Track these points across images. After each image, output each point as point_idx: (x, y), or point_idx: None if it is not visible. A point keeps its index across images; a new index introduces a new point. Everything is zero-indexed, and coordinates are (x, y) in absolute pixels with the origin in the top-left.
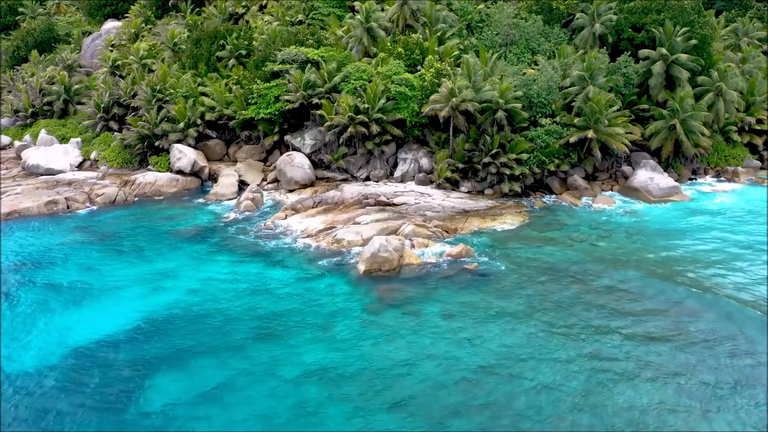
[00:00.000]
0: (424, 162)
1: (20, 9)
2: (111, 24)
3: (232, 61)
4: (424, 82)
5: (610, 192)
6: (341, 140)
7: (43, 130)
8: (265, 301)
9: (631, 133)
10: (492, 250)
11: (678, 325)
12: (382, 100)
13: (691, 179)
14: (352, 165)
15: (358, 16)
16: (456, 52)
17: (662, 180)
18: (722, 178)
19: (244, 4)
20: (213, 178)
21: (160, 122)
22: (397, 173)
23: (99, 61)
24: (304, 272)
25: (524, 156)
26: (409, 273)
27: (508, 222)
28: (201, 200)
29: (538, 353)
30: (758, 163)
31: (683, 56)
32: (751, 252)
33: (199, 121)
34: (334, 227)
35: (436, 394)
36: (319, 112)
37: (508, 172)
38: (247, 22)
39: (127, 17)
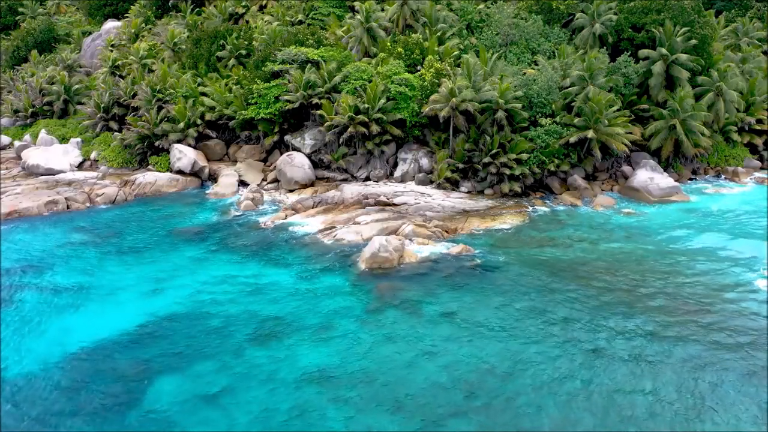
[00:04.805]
0: (424, 162)
1: (20, 9)
2: (111, 24)
3: (232, 61)
4: (424, 82)
5: (610, 192)
6: (341, 140)
7: (43, 130)
8: (265, 301)
9: (631, 133)
10: (492, 249)
11: (678, 324)
12: (382, 100)
13: (691, 179)
14: (352, 165)
15: (358, 16)
16: (456, 52)
17: (662, 180)
18: (722, 178)
19: (244, 4)
20: (213, 178)
21: (160, 122)
22: (397, 173)
23: (99, 61)
24: (303, 272)
25: (524, 156)
26: (409, 273)
27: (508, 222)
28: (201, 200)
29: (538, 352)
30: (758, 163)
31: (683, 56)
32: (750, 252)
33: (199, 121)
34: (334, 227)
35: (435, 394)
36: (319, 112)
37: (508, 172)
38: (247, 22)
39: (127, 17)
